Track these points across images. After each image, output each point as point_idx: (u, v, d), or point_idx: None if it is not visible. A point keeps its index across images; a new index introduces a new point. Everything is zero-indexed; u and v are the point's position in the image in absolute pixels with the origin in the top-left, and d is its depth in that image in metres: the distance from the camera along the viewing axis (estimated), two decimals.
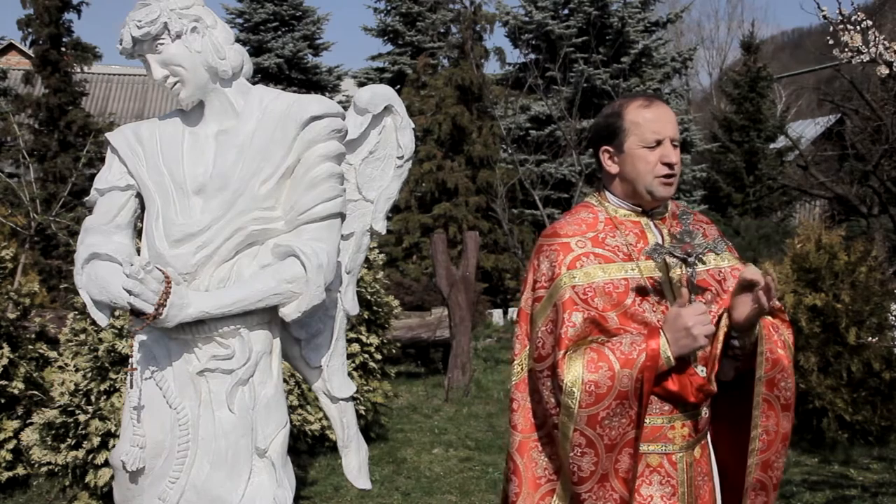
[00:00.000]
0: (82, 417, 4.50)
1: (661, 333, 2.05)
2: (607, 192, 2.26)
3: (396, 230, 14.87)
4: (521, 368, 2.24)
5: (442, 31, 17.54)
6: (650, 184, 2.15)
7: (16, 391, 5.33)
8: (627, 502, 2.08)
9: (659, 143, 2.14)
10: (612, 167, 2.22)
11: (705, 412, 2.19)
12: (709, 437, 2.25)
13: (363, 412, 6.39)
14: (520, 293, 2.31)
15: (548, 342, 2.13)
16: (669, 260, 2.13)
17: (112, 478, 2.74)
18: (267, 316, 2.29)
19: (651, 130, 2.14)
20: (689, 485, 2.15)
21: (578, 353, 2.06)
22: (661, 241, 2.18)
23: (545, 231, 2.29)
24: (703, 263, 2.16)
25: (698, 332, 2.02)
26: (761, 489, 2.15)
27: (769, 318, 2.18)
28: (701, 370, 2.13)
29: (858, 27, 4.04)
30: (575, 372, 2.04)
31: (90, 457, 4.51)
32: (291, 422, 2.64)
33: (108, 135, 2.45)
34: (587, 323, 2.09)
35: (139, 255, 2.38)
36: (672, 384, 2.10)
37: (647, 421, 2.11)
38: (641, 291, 2.12)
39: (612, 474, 2.06)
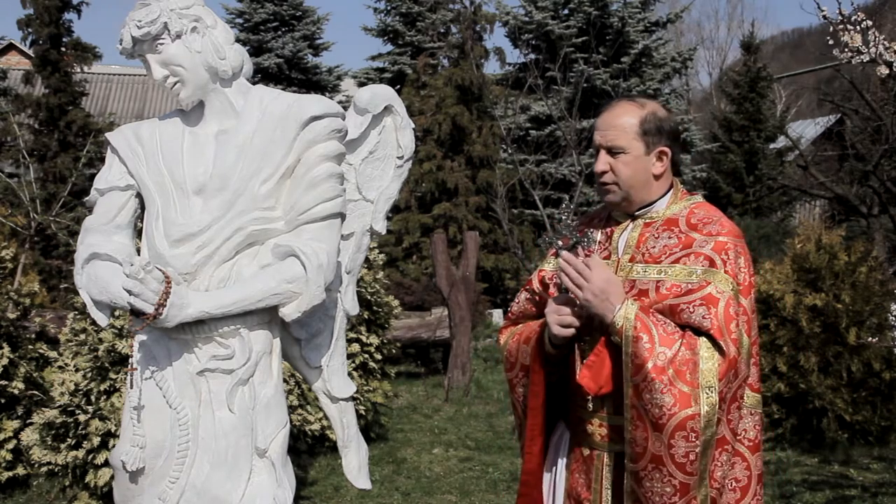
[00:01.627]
0: (82, 417, 4.50)
1: None
2: None
3: (396, 230, 14.86)
4: None
5: (442, 31, 17.51)
6: (598, 188, 2.25)
7: (16, 391, 5.33)
8: (536, 471, 2.25)
9: (598, 151, 2.21)
10: None
11: (622, 420, 2.10)
12: None
13: (363, 412, 6.39)
14: None
15: None
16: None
17: (112, 478, 2.74)
18: (267, 316, 2.29)
19: (593, 138, 2.23)
20: (608, 485, 2.14)
21: (515, 327, 2.38)
22: (625, 244, 2.20)
23: None
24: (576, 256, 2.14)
25: (550, 320, 2.12)
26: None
27: (702, 337, 2.01)
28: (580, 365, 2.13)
29: (858, 27, 4.04)
30: (505, 340, 2.37)
31: (90, 457, 4.51)
32: (291, 422, 2.64)
33: (108, 135, 2.45)
34: (529, 302, 2.37)
35: (139, 255, 2.38)
36: (576, 375, 2.14)
37: (575, 411, 2.22)
38: (554, 285, 2.24)
39: (532, 441, 2.24)
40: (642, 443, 2.01)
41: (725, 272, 2.07)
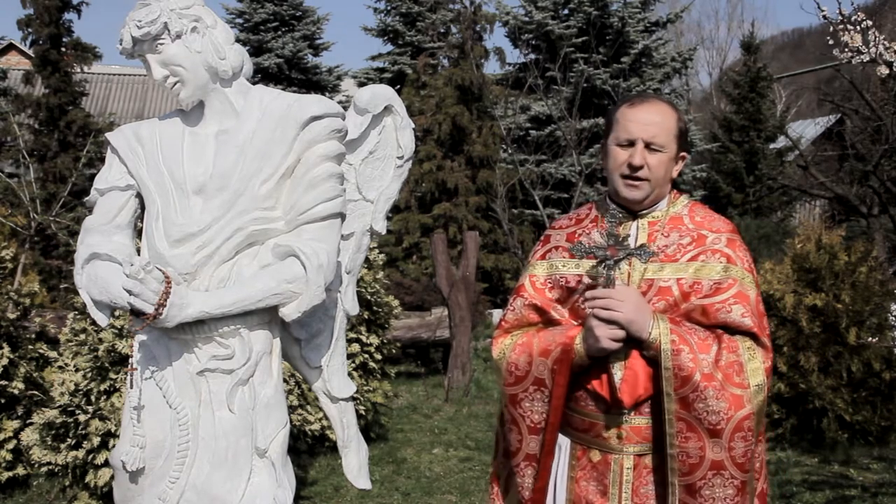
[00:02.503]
0: (82, 417, 4.50)
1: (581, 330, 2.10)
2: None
3: (396, 230, 14.86)
4: None
5: (442, 31, 17.48)
6: (616, 181, 2.17)
7: (16, 391, 5.33)
8: (546, 488, 2.17)
9: (631, 143, 2.14)
10: (603, 162, 2.27)
11: (643, 421, 2.11)
12: None
13: (363, 412, 6.39)
14: None
15: None
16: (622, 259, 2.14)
17: (112, 478, 2.74)
18: (267, 316, 2.29)
19: (625, 129, 2.15)
20: (627, 489, 2.12)
21: (514, 335, 2.22)
22: (635, 244, 2.18)
23: None
24: (619, 268, 2.10)
25: (600, 334, 2.03)
26: None
27: (741, 336, 2.06)
28: (618, 374, 2.09)
29: (858, 27, 4.04)
30: (502, 352, 2.22)
31: (90, 457, 4.51)
32: (291, 422, 2.64)
33: (108, 135, 2.45)
34: (528, 309, 2.23)
35: (139, 255, 2.38)
36: (599, 385, 2.10)
37: (585, 415, 2.16)
38: (589, 289, 2.14)
39: (542, 457, 2.16)
40: (697, 452, 2.01)
41: (744, 269, 2.13)
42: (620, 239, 2.09)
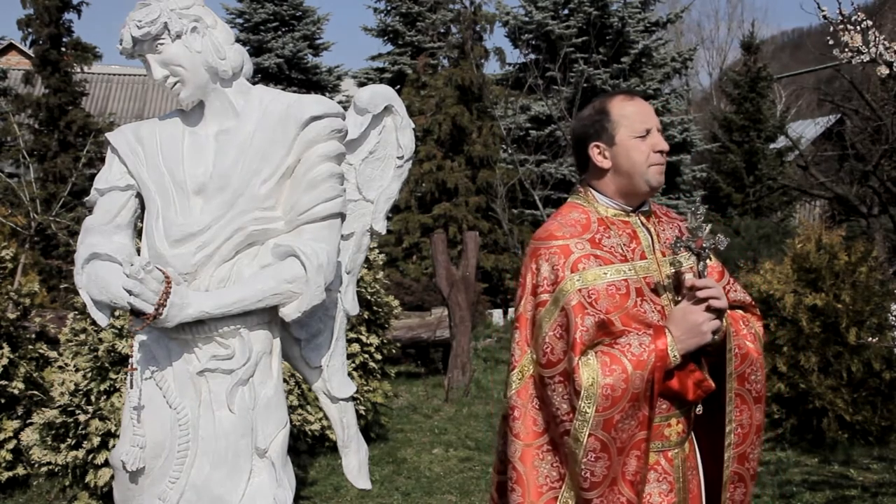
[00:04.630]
0: (82, 417, 4.50)
1: (667, 332, 2.07)
2: (594, 192, 2.25)
3: (396, 230, 14.87)
4: (523, 376, 2.18)
5: (442, 31, 17.50)
6: (645, 172, 2.18)
7: (16, 391, 5.33)
8: None
9: (648, 132, 2.19)
10: (604, 162, 2.21)
11: (697, 408, 2.22)
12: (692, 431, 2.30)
13: (363, 412, 6.39)
14: (517, 298, 2.27)
15: (557, 347, 2.09)
16: (679, 256, 2.20)
17: (112, 478, 2.74)
18: (267, 316, 2.29)
19: (640, 121, 2.19)
20: (685, 479, 2.19)
21: (592, 358, 2.05)
22: (651, 240, 2.21)
23: (538, 234, 2.24)
24: (710, 259, 2.20)
25: (707, 329, 2.09)
26: (739, 481, 2.22)
27: (740, 311, 2.26)
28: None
29: (858, 27, 4.03)
30: (592, 376, 2.02)
31: (90, 457, 4.51)
32: (291, 422, 2.64)
33: (108, 135, 2.45)
34: (597, 326, 2.07)
35: (139, 255, 2.38)
36: (674, 382, 2.12)
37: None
38: (640, 292, 2.13)
39: (619, 478, 2.06)
40: (748, 422, 2.21)
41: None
42: (706, 230, 2.15)
